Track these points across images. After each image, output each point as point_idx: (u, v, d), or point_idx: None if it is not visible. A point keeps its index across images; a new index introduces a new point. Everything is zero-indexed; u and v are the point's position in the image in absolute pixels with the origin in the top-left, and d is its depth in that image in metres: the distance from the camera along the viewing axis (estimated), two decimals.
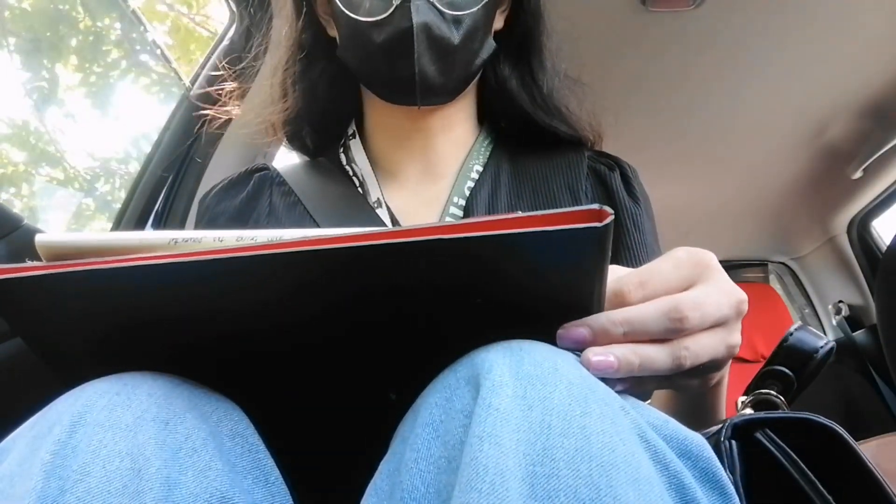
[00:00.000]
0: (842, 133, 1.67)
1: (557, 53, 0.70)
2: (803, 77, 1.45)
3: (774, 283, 2.45)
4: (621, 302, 0.36)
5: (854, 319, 2.09)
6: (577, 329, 0.35)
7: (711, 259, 0.39)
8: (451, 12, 0.59)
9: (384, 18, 0.58)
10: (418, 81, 0.59)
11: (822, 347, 0.56)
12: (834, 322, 2.17)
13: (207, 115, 1.16)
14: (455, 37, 0.60)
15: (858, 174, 1.78)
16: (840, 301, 2.13)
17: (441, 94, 0.64)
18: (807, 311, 2.39)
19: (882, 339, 1.32)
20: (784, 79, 1.46)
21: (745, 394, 0.56)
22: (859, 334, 2.05)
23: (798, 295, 2.42)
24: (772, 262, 2.42)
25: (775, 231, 2.23)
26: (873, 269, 1.99)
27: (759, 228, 2.23)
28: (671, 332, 0.35)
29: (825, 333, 2.25)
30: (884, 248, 1.99)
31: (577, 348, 0.35)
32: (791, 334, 0.59)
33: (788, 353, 0.57)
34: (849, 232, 2.06)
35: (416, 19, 0.57)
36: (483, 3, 0.61)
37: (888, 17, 1.27)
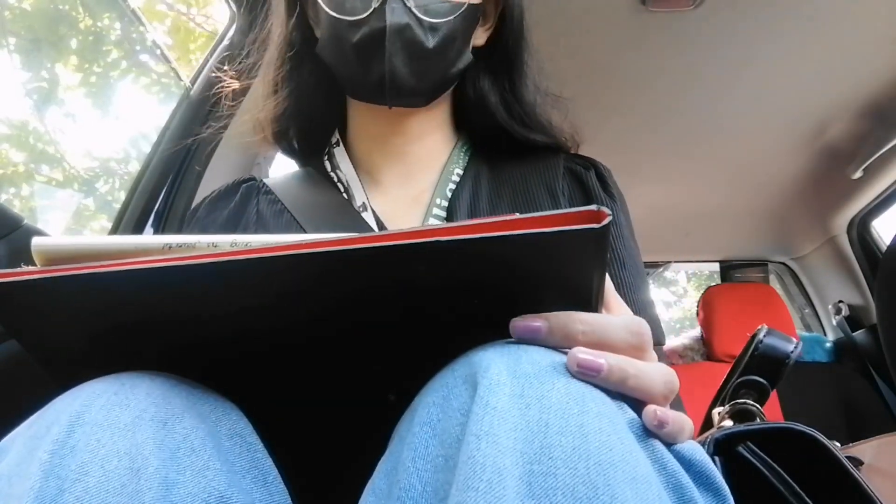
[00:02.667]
0: (842, 133, 1.67)
1: (539, 71, 0.72)
2: (803, 77, 1.45)
3: (774, 283, 2.45)
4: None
5: (854, 319, 2.09)
6: (534, 321, 0.34)
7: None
8: (427, 19, 0.61)
9: (362, 18, 0.60)
10: (388, 80, 0.61)
11: (792, 352, 0.56)
12: (834, 322, 2.17)
13: (208, 115, 1.17)
14: (429, 42, 0.61)
15: (858, 174, 1.78)
16: (840, 301, 2.13)
17: (412, 97, 0.65)
18: (807, 311, 2.39)
19: (882, 339, 1.31)
20: (784, 78, 1.46)
21: (721, 404, 0.56)
22: (859, 334, 2.05)
23: (798, 295, 2.42)
24: (772, 262, 2.42)
25: (775, 231, 2.23)
26: (873, 269, 1.99)
27: (759, 228, 2.23)
28: (631, 346, 0.35)
29: (825, 334, 2.26)
30: (884, 248, 1.99)
31: (531, 341, 0.34)
32: (761, 342, 0.59)
33: (761, 362, 0.57)
34: (849, 232, 2.06)
35: (391, 20, 0.59)
36: (460, 13, 0.62)
37: (888, 18, 1.27)
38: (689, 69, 1.43)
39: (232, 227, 0.70)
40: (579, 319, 0.34)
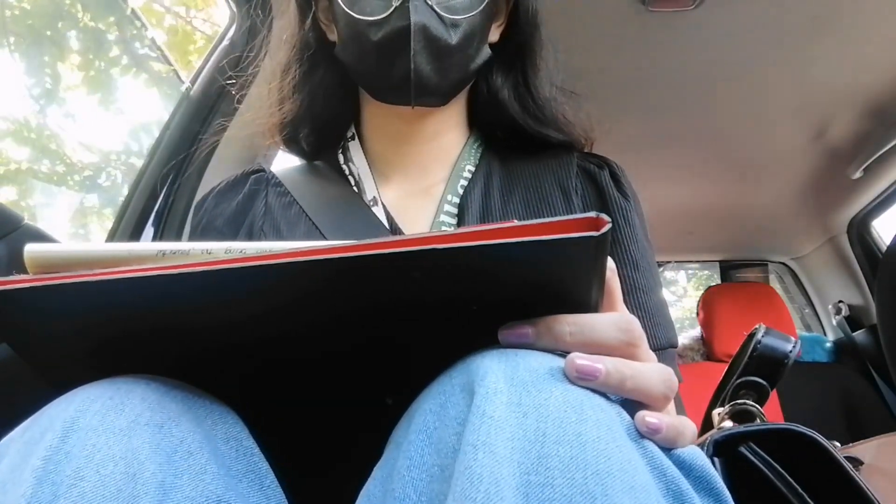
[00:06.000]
0: (842, 133, 1.67)
1: (553, 65, 0.72)
2: (803, 77, 1.45)
3: (774, 283, 2.45)
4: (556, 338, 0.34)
5: (854, 319, 2.09)
6: (521, 327, 0.33)
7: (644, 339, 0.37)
8: (449, 16, 0.60)
9: (383, 18, 0.59)
10: (413, 80, 0.60)
11: (791, 351, 0.56)
12: (834, 322, 2.17)
13: (208, 115, 1.17)
14: (452, 38, 0.61)
15: (858, 174, 1.78)
16: (840, 301, 2.13)
17: (435, 95, 0.65)
18: (807, 311, 2.39)
19: (882, 339, 1.31)
20: (784, 79, 1.46)
21: (720, 405, 0.56)
22: (859, 334, 2.05)
23: (798, 295, 2.42)
24: (772, 262, 2.42)
25: (775, 231, 2.23)
26: (873, 269, 1.99)
27: (759, 228, 2.23)
28: (622, 343, 0.34)
29: (825, 334, 2.26)
30: (884, 248, 1.99)
31: (521, 347, 0.33)
32: (759, 342, 0.58)
33: (760, 362, 0.57)
34: (849, 232, 2.05)
35: (414, 18, 0.58)
36: (480, 9, 0.62)
37: (889, 18, 1.27)
38: (689, 69, 1.43)
39: (240, 219, 0.69)
40: (566, 321, 0.33)
